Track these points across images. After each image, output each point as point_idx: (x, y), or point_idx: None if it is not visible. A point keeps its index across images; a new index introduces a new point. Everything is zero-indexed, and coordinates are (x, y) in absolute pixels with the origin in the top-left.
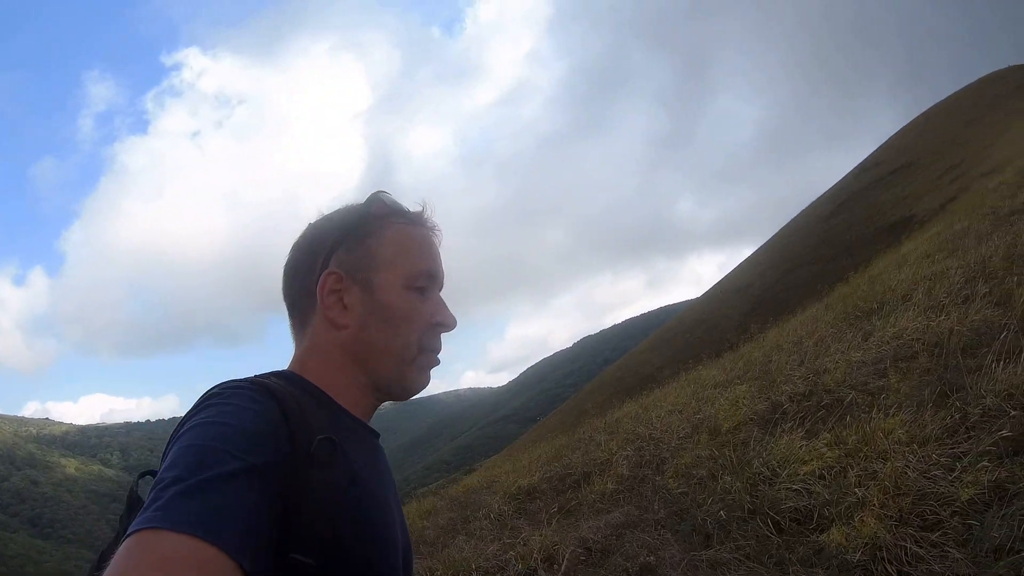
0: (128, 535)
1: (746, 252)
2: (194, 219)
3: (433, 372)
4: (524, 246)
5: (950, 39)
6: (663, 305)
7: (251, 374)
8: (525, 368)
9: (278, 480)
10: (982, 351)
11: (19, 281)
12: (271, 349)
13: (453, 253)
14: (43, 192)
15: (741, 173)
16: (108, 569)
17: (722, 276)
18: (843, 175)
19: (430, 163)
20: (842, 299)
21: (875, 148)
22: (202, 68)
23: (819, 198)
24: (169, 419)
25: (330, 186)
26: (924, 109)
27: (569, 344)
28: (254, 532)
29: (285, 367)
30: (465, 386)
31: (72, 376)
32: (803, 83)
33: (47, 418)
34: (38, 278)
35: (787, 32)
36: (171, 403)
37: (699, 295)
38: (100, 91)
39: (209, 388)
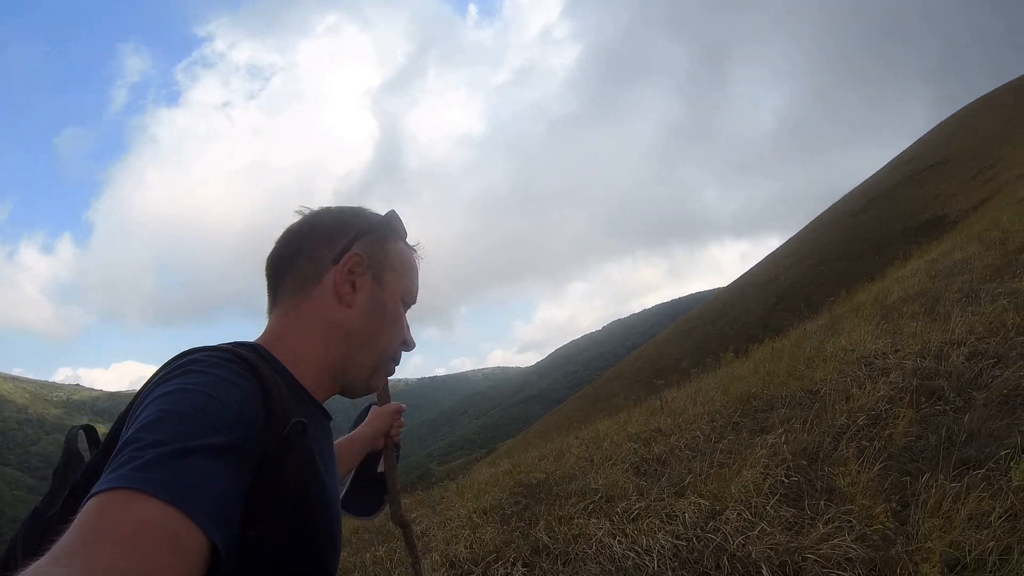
0: (100, 491)
1: (769, 242)
2: (219, 189)
3: (460, 348)
4: (540, 229)
5: (985, 36)
6: (693, 292)
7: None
8: (553, 350)
9: (252, 460)
10: None
11: (48, 249)
12: None
13: (472, 234)
14: (71, 162)
15: (762, 164)
16: (75, 524)
17: (748, 266)
18: (872, 170)
19: (443, 144)
20: (767, 361)
21: (907, 144)
22: (234, 39)
23: (851, 192)
24: None
25: (347, 157)
26: (960, 105)
27: (599, 327)
28: (228, 509)
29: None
30: (493, 365)
31: (102, 344)
32: (827, 75)
33: (78, 384)
34: (65, 246)
35: (811, 23)
36: None
37: (726, 284)
38: (135, 63)
39: (184, 351)
